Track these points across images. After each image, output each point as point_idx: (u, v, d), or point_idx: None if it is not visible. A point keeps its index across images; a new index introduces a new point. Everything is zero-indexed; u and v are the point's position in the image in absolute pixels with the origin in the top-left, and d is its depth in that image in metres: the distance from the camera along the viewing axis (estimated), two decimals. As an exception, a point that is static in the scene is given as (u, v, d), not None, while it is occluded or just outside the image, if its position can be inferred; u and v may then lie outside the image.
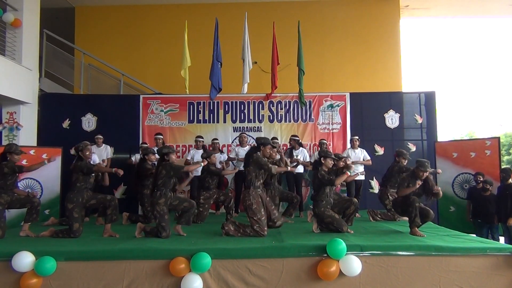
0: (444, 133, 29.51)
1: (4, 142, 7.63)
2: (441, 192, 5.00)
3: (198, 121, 8.36)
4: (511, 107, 38.88)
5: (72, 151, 5.21)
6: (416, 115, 8.33)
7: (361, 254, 4.02)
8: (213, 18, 8.48)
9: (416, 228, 4.94)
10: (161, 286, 3.93)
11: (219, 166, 7.20)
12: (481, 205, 6.68)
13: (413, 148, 8.15)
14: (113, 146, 7.79)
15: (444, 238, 4.68)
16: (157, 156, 6.17)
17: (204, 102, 8.38)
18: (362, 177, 7.37)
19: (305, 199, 7.94)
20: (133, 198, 7.65)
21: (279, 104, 8.42)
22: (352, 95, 8.46)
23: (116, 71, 9.89)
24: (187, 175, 6.30)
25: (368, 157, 7.44)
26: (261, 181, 5.11)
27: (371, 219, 6.41)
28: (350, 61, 10.77)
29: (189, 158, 7.40)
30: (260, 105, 8.42)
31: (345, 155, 7.01)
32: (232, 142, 8.29)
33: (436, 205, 7.57)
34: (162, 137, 7.56)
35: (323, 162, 5.38)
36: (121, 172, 5.10)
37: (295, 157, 7.04)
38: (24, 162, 5.32)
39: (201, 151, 7.07)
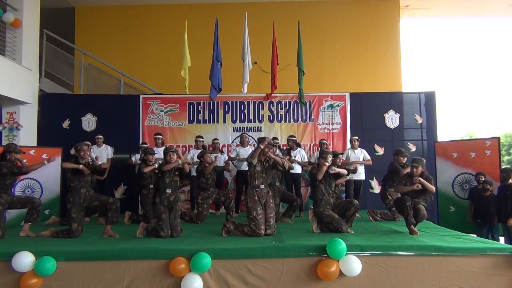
0: (444, 133, 29.56)
1: (4, 142, 7.63)
2: (421, 185, 5.00)
3: (198, 121, 8.36)
4: (511, 107, 38.91)
5: (72, 151, 5.19)
6: (416, 115, 8.33)
7: (361, 254, 4.02)
8: (213, 18, 8.48)
9: (412, 226, 4.97)
10: (161, 286, 3.93)
11: (222, 165, 7.27)
12: (481, 205, 6.67)
13: (413, 148, 8.14)
14: (113, 146, 7.79)
15: (444, 238, 4.68)
16: (156, 156, 6.19)
17: (204, 102, 8.38)
18: (362, 177, 7.38)
19: (305, 199, 7.94)
20: (133, 198, 7.68)
21: (279, 104, 8.42)
22: (352, 95, 8.46)
23: (116, 71, 9.89)
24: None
25: (368, 157, 7.43)
26: (261, 180, 5.10)
27: (371, 219, 6.41)
28: (350, 61, 10.76)
29: (189, 158, 7.40)
30: (260, 105, 8.42)
31: (344, 155, 7.03)
32: (232, 142, 8.29)
33: (436, 205, 7.58)
34: (161, 137, 7.56)
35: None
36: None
37: (293, 157, 7.05)
38: (24, 161, 5.29)
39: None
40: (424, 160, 5.30)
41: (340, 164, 5.77)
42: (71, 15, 11.11)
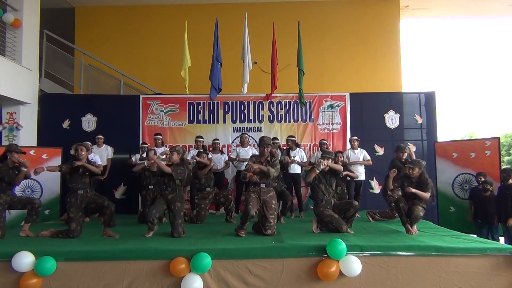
0: (444, 133, 29.60)
1: (4, 143, 7.64)
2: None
3: (198, 121, 8.36)
4: (511, 107, 38.92)
5: (72, 151, 5.17)
6: (416, 115, 8.33)
7: (361, 255, 4.02)
8: (213, 18, 8.48)
9: (408, 225, 5.01)
10: (161, 287, 3.93)
11: (222, 166, 7.30)
12: (481, 206, 6.67)
13: (413, 148, 8.13)
14: (113, 146, 7.79)
15: (444, 238, 4.68)
16: (159, 155, 6.16)
17: (204, 102, 8.38)
18: (363, 177, 7.38)
19: (305, 199, 7.94)
20: (133, 198, 7.69)
21: (279, 104, 8.43)
22: (352, 95, 8.46)
23: (116, 71, 9.89)
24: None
25: (368, 157, 7.43)
26: (259, 180, 5.09)
27: (370, 219, 6.43)
28: (350, 61, 10.76)
29: (189, 158, 7.40)
30: (260, 105, 8.42)
31: (344, 156, 7.03)
32: (232, 142, 8.29)
33: (436, 206, 7.58)
34: (161, 137, 7.56)
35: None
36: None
37: (292, 157, 7.05)
38: (27, 162, 5.25)
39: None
40: (423, 162, 5.27)
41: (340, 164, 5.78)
42: (71, 15, 11.11)
